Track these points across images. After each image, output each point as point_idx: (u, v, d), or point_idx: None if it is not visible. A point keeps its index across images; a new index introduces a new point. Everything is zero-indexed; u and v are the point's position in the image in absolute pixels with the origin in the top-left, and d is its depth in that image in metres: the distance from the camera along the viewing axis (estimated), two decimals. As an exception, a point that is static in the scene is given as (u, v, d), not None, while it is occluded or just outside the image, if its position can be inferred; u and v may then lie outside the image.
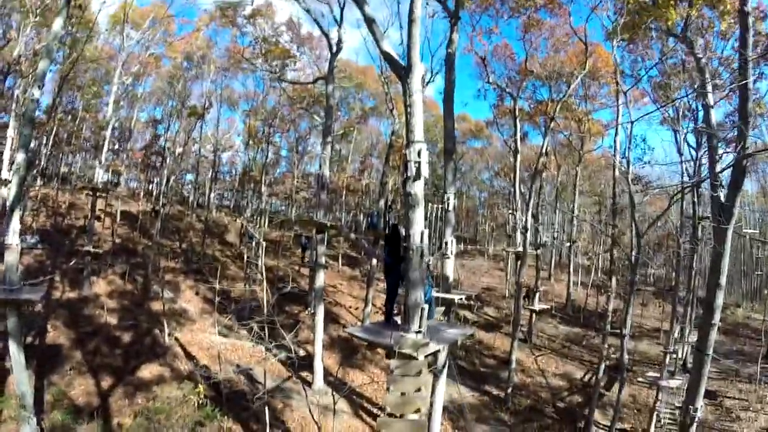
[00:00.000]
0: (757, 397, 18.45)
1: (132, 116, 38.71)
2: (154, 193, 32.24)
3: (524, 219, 20.17)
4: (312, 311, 18.26)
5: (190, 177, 46.24)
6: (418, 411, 5.09)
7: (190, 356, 18.07)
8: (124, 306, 20.86)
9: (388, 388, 5.02)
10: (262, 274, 14.92)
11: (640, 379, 19.68)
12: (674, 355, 17.64)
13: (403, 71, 7.40)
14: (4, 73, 24.89)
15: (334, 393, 13.34)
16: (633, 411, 17.99)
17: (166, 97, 38.49)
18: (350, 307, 26.08)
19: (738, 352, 22.74)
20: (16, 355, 11.15)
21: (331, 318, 23.66)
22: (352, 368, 19.36)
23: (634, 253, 14.81)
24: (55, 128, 32.65)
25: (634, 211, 14.03)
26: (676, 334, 17.41)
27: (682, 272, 20.52)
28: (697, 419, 10.58)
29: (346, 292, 28.24)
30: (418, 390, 5.76)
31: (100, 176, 21.05)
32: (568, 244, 31.46)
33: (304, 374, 17.92)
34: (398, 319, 8.68)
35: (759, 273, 35.81)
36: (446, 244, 11.21)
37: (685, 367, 19.05)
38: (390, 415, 6.02)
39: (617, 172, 20.22)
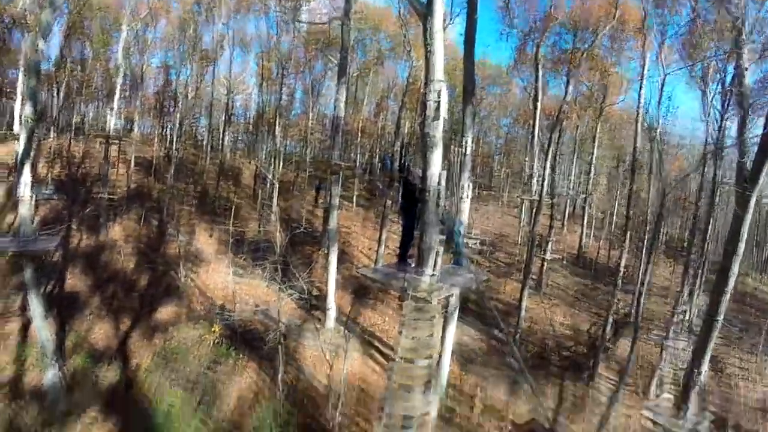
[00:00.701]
0: (757, 368, 18.54)
1: (143, 63, 38.07)
2: (168, 138, 32.11)
3: (542, 167, 19.83)
4: (325, 251, 18.37)
5: (203, 121, 46.02)
6: (429, 357, 5.04)
7: (205, 297, 18.39)
8: (140, 250, 21.14)
9: (400, 332, 4.91)
10: (275, 215, 14.92)
11: (645, 337, 19.84)
12: (681, 317, 17.64)
13: (424, 11, 7.07)
14: (10, 28, 24.53)
15: (347, 333, 13.62)
16: (636, 367, 18.12)
17: (177, 42, 37.58)
18: (364, 248, 26.17)
19: (743, 321, 22.54)
20: (35, 304, 11.52)
21: (344, 259, 23.66)
22: (365, 308, 19.57)
23: (652, 210, 14.47)
24: (66, 79, 32.17)
25: (662, 164, 13.55)
26: (685, 296, 17.33)
27: (697, 235, 20.25)
28: (700, 383, 10.58)
29: (359, 234, 28.28)
30: (431, 335, 5.66)
31: (113, 124, 20.90)
32: (584, 196, 31.04)
33: (317, 314, 18.20)
34: (412, 262, 8.82)
35: None
36: (462, 187, 11.12)
37: (691, 330, 19.06)
38: (402, 359, 6.08)
39: (639, 128, 19.63)
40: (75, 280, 17.88)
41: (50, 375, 11.97)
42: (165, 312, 17.04)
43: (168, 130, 35.90)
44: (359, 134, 40.63)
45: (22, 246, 10.71)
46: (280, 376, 12.61)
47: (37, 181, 24.08)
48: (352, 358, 15.59)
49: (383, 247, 22.35)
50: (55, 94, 32.50)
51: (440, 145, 6.92)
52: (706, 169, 21.04)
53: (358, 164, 40.41)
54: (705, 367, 10.49)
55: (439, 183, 6.95)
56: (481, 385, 15.82)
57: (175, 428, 10.79)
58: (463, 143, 11.70)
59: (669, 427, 10.84)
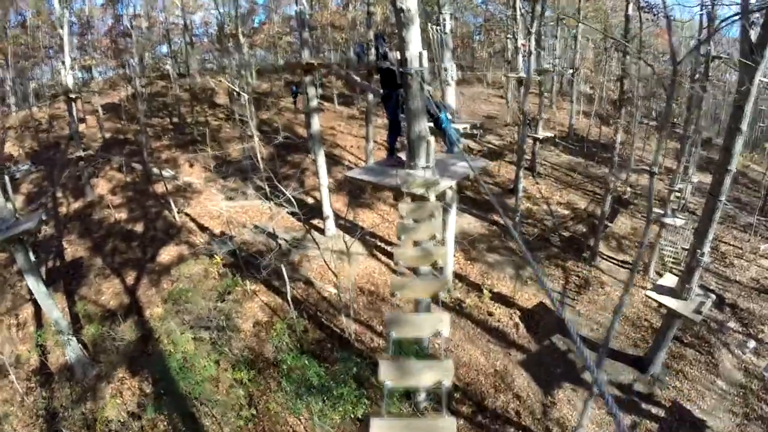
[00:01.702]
0: (751, 247, 18.37)
1: (86, 5, 35.33)
2: (132, 76, 30.52)
3: (527, 43, 18.68)
4: (313, 157, 17.84)
5: (165, 49, 43.64)
6: (434, 266, 4.54)
7: (203, 228, 18.18)
8: (129, 198, 20.75)
9: (398, 237, 4.36)
10: (252, 129, 14.21)
11: (642, 215, 19.79)
12: (678, 194, 17.39)
13: None
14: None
15: (345, 239, 13.39)
16: (634, 244, 18.08)
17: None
18: (352, 146, 25.60)
19: (735, 199, 22.20)
20: (36, 287, 11.23)
21: (334, 160, 23.34)
22: (362, 208, 19.36)
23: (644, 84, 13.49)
24: (10, 48, 30.25)
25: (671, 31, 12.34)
26: (680, 174, 16.97)
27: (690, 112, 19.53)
28: (703, 263, 10.38)
29: (345, 132, 27.61)
30: (432, 237, 5.10)
31: (69, 79, 19.50)
32: (571, 71, 29.82)
33: (315, 222, 18.02)
34: (403, 156, 8.21)
35: (761, 125, 34.58)
36: (445, 69, 10.28)
37: (686, 207, 18.93)
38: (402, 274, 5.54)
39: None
40: (73, 247, 17.69)
41: (71, 350, 12.01)
42: (166, 254, 16.87)
43: (129, 68, 34.00)
44: (329, 29, 38.44)
45: (2, 233, 10.13)
46: (288, 294, 12.51)
47: (9, 159, 23.49)
48: (357, 261, 15.59)
49: (371, 143, 21.71)
50: (5, 66, 30.74)
51: (416, 20, 6.14)
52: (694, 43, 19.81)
53: (332, 60, 38.68)
54: (707, 247, 10.29)
55: (420, 64, 6.24)
56: (486, 272, 15.88)
57: (193, 372, 10.80)
58: (441, 20, 10.71)
59: (675, 309, 10.88)
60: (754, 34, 8.12)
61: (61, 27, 19.86)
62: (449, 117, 8.24)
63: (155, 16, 36.49)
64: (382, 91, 7.72)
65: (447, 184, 6.83)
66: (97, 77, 39.29)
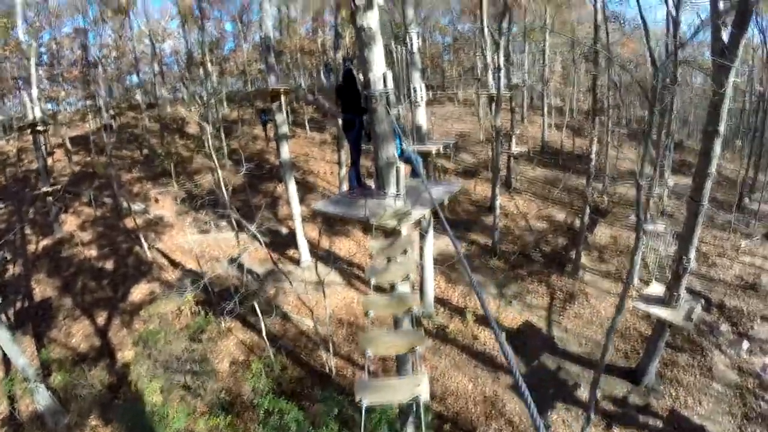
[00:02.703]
0: (732, 245, 18.33)
1: (55, 36, 34.77)
2: (102, 107, 29.88)
3: (496, 59, 18.65)
4: (285, 186, 17.44)
5: (134, 79, 43.07)
6: (408, 310, 4.13)
7: (174, 264, 17.60)
8: (100, 233, 20.01)
9: (368, 280, 4.02)
10: (214, 162, 13.72)
11: (621, 223, 19.76)
12: (657, 200, 17.36)
13: None
14: None
15: (320, 269, 12.92)
16: (615, 253, 17.95)
17: (86, 4, 34.14)
18: (325, 172, 25.15)
19: (711, 199, 22.37)
20: None
21: (307, 187, 22.96)
22: (337, 236, 18.90)
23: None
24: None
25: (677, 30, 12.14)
26: (656, 179, 16.94)
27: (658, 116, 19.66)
28: (689, 269, 10.21)
29: (318, 158, 27.15)
30: (406, 278, 4.66)
31: (37, 111, 18.95)
32: (541, 85, 30.08)
33: (290, 252, 17.55)
34: (370, 183, 7.80)
35: (729, 123, 35.41)
36: (415, 90, 9.98)
37: (664, 212, 18.94)
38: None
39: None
40: (42, 287, 16.98)
41: (40, 397, 11.47)
42: (138, 291, 16.27)
43: (99, 99, 33.39)
44: (299, 54, 38.22)
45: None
46: (263, 331, 11.96)
47: None
48: (335, 292, 15.11)
49: (344, 168, 21.19)
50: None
51: (379, 39, 5.76)
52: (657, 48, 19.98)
53: (304, 85, 38.39)
54: (693, 253, 10.10)
55: (384, 85, 5.86)
56: (468, 294, 15.51)
57: (164, 423, 10.15)
58: (408, 39, 10.45)
59: (665, 318, 10.63)
60: (725, 35, 8.00)
61: (28, 58, 19.33)
62: (404, 144, 7.91)
63: (123, 45, 35.90)
64: (342, 115, 7.24)
65: (419, 214, 6.38)
66: (66, 109, 38.48)
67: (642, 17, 8.86)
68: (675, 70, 13.12)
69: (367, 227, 5.96)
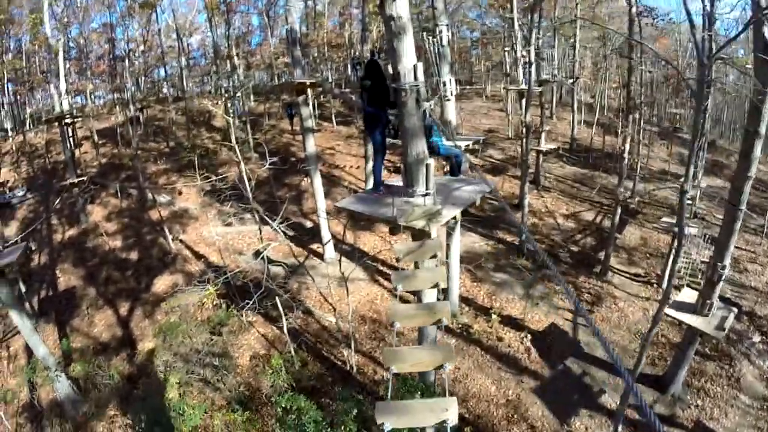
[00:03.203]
0: (765, 251, 17.61)
1: (83, 31, 35.36)
2: (129, 100, 30.33)
3: (526, 54, 18.19)
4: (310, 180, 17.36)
5: (161, 73, 43.60)
6: (438, 321, 3.86)
7: (198, 256, 17.63)
8: (125, 224, 20.25)
9: (394, 288, 3.75)
10: (237, 155, 13.63)
11: (651, 225, 19.08)
12: (690, 202, 16.75)
13: None
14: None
15: (342, 263, 12.73)
16: (645, 255, 17.38)
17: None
18: (351, 166, 24.95)
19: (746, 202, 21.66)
20: (20, 322, 10.82)
21: (333, 181, 22.83)
22: (362, 231, 18.62)
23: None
24: (6, 73, 30.58)
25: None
26: (690, 180, 16.34)
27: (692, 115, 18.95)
28: (724, 276, 9.72)
29: (344, 152, 26.99)
30: (435, 286, 4.35)
31: (64, 103, 19.33)
32: (571, 80, 29.39)
33: (314, 246, 17.45)
34: (395, 181, 7.45)
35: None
36: (444, 84, 9.68)
37: (696, 215, 18.30)
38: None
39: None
40: (67, 276, 17.21)
41: (60, 386, 11.57)
42: (161, 283, 16.34)
43: (126, 92, 33.87)
44: (326, 48, 38.11)
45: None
46: (284, 326, 11.85)
47: (3, 185, 23.19)
48: (359, 288, 14.93)
49: (371, 162, 21.05)
50: (2, 93, 30.65)
51: (410, 29, 5.50)
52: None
53: (330, 79, 38.29)
54: (728, 259, 9.61)
55: (415, 78, 5.60)
56: (494, 294, 15.16)
57: (182, 418, 10.12)
58: (438, 32, 10.16)
59: (697, 327, 10.17)
60: (767, 31, 7.56)
61: (56, 53, 19.65)
62: (443, 140, 7.60)
63: (151, 39, 36.38)
64: (366, 109, 6.91)
65: (451, 214, 6.08)
66: (94, 102, 39.20)
67: (686, 8, 8.39)
68: (711, 68, 12.62)
69: (393, 228, 5.69)
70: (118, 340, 14.01)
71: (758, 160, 8.73)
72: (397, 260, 4.06)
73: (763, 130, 8.22)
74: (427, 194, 5.87)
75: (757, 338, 13.24)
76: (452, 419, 2.93)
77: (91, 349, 13.64)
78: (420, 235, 5.55)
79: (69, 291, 16.44)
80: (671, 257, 14.75)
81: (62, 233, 19.87)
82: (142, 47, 35.39)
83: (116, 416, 11.45)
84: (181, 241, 18.62)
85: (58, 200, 20.76)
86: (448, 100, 10.82)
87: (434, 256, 4.34)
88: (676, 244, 11.05)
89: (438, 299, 7.29)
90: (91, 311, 15.35)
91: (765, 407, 11.10)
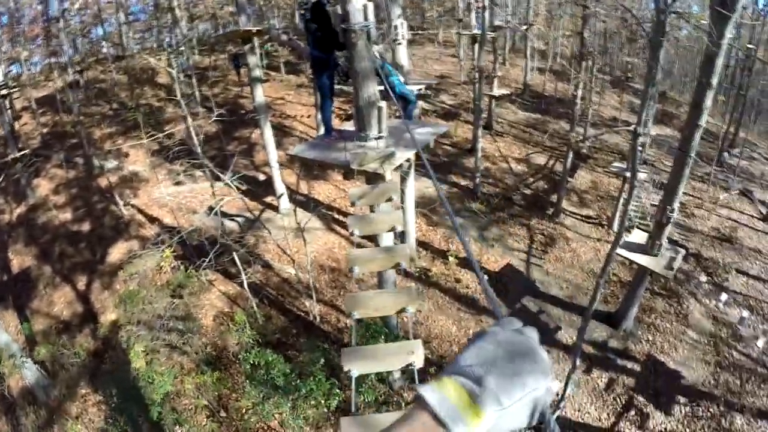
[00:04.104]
0: (710, 197, 18.47)
1: None
2: (67, 65, 28.44)
3: (481, -1, 17.92)
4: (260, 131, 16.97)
5: (99, 31, 40.84)
6: (397, 264, 3.84)
7: (152, 219, 17.22)
8: (74, 195, 19.44)
9: (351, 234, 3.70)
10: (183, 109, 13.15)
11: (603, 169, 19.76)
12: (641, 148, 17.25)
13: None
14: None
15: (297, 214, 12.71)
16: (596, 198, 17.97)
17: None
18: (302, 116, 24.45)
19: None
20: None
21: (284, 132, 22.45)
22: (316, 180, 18.51)
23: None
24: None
25: None
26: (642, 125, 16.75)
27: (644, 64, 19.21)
28: (672, 219, 10.28)
29: (295, 102, 26.41)
30: (392, 229, 4.39)
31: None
32: (525, 27, 29.27)
33: (268, 199, 17.26)
34: (347, 127, 7.32)
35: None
36: (395, 27, 9.46)
37: (646, 161, 18.93)
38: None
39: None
40: (20, 257, 16.58)
41: (28, 373, 11.36)
42: (116, 252, 15.91)
43: (63, 55, 31.72)
44: (273, -5, 36.53)
45: None
46: (245, 282, 11.78)
47: None
48: (316, 238, 14.95)
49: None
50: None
51: (359, -34, 5.31)
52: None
53: (277, 27, 36.85)
54: (677, 204, 10.14)
55: (365, 18, 5.42)
56: (450, 237, 15.43)
57: (152, 387, 10.03)
58: (387, -25, 9.87)
59: (647, 266, 10.75)
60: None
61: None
62: (401, 79, 7.49)
63: (85, -4, 33.89)
64: (312, 53, 6.69)
65: (404, 156, 6.06)
66: (30, 70, 36.60)
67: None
68: (665, 20, 12.81)
69: (347, 173, 5.62)
70: (79, 316, 13.73)
71: (708, 111, 9.05)
72: (352, 205, 4.03)
73: (715, 82, 8.54)
74: (380, 137, 5.84)
75: (703, 278, 14.04)
76: (418, 362, 3.00)
77: (53, 330, 13.38)
78: (374, 178, 5.53)
79: (24, 272, 15.87)
80: (621, 200, 15.39)
81: (9, 212, 18.97)
82: (77, 5, 32.95)
83: (88, 394, 11.38)
84: (132, 205, 18.07)
85: (1, 178, 19.60)
86: (400, 44, 10.64)
87: (389, 200, 4.33)
88: (628, 187, 11.46)
89: (395, 243, 7.36)
90: (49, 290, 14.93)
91: (711, 342, 11.91)
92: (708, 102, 8.83)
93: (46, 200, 19.08)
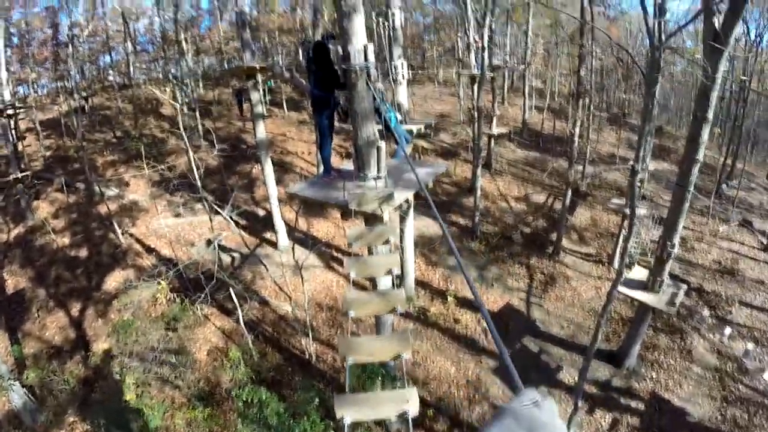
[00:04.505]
0: (710, 230, 18.49)
1: (25, 15, 33.35)
2: (74, 90, 28.83)
3: (480, 38, 18.25)
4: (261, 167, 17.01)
5: (107, 59, 41.66)
6: (393, 310, 3.74)
7: (149, 250, 17.08)
8: (73, 220, 19.37)
9: (348, 275, 3.66)
10: (185, 143, 13.22)
11: (602, 207, 19.76)
12: (639, 184, 17.37)
13: None
14: None
15: (296, 251, 12.61)
16: (595, 235, 17.94)
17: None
18: (303, 152, 24.63)
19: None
20: None
21: (285, 168, 22.50)
22: (315, 217, 18.41)
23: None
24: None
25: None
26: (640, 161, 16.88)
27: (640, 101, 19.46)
28: (673, 255, 10.23)
29: (296, 139, 26.61)
30: (389, 272, 4.28)
31: (5, 94, 18.25)
32: (523, 66, 29.77)
33: (267, 235, 17.16)
34: (345, 166, 7.30)
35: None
36: (395, 67, 9.58)
37: (645, 196, 19.00)
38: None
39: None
40: (15, 278, 16.39)
41: (15, 396, 11.04)
42: (112, 280, 15.76)
43: (71, 80, 32.19)
44: (277, 33, 37.22)
45: None
46: (241, 317, 11.63)
47: None
48: (314, 275, 14.83)
49: (322, 149, 20.74)
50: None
51: (360, 8, 5.36)
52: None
53: (282, 64, 37.44)
54: (677, 239, 10.05)
55: (366, 59, 5.47)
56: (449, 276, 15.34)
57: (141, 420, 9.80)
58: (390, 15, 10.02)
59: (648, 303, 10.64)
60: (717, 21, 7.86)
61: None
62: (398, 117, 7.53)
63: (97, 23, 34.62)
64: (313, 91, 6.75)
65: (403, 197, 6.02)
66: (37, 92, 37.08)
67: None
68: (659, 56, 13.04)
69: (345, 212, 5.55)
70: (71, 342, 13.51)
71: (705, 144, 9.08)
72: (350, 246, 3.96)
73: (710, 115, 8.56)
74: (378, 177, 5.80)
75: (706, 312, 13.84)
76: (413, 410, 2.92)
77: (44, 354, 13.11)
78: (373, 219, 5.48)
79: (18, 293, 15.67)
80: (621, 236, 15.30)
81: (7, 233, 18.84)
82: (86, 32, 33.65)
83: (75, 423, 11.08)
84: (131, 234, 17.99)
85: (1, 198, 19.55)
86: (400, 84, 10.75)
87: (387, 242, 4.25)
88: (627, 223, 11.42)
89: (393, 285, 7.27)
90: (42, 314, 14.73)
91: (717, 377, 11.68)
92: (704, 136, 8.83)
93: (44, 223, 18.89)
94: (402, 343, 3.28)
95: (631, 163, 8.12)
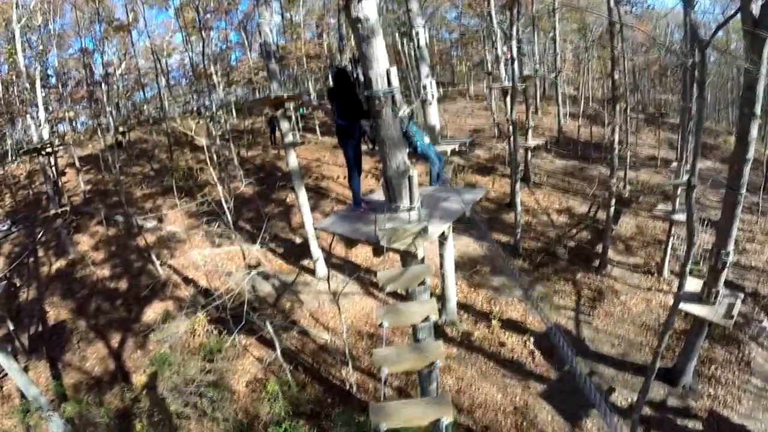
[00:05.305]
0: (761, 229, 17.49)
1: (61, 57, 34.97)
2: (110, 126, 29.83)
3: (507, 51, 17.92)
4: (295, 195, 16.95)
5: (141, 95, 43.19)
6: (431, 366, 3.53)
7: (187, 281, 17.10)
8: (112, 253, 19.69)
9: (379, 325, 3.32)
10: (213, 177, 13.25)
11: (646, 213, 18.87)
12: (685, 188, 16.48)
13: None
14: None
15: (332, 280, 12.37)
16: (642, 244, 17.13)
17: (89, 23, 34.18)
18: (338, 177, 24.36)
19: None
20: (6, 364, 10.56)
21: (320, 194, 22.40)
22: (353, 243, 18.18)
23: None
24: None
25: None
26: (681, 165, 16.09)
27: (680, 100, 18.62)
28: (728, 264, 9.46)
29: (331, 163, 26.57)
30: (425, 320, 4.02)
31: (44, 132, 19.11)
32: (553, 74, 29.22)
33: (306, 263, 16.98)
34: (376, 196, 6.95)
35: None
36: (424, 87, 9.26)
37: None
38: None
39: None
40: (56, 309, 16.70)
41: (54, 427, 11.12)
42: (152, 310, 15.84)
43: (107, 116, 33.38)
44: (305, 60, 37.77)
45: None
46: (278, 348, 11.44)
47: None
48: (353, 303, 14.55)
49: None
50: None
51: (379, 31, 5.04)
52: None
53: (312, 90, 37.93)
54: (731, 246, 9.35)
55: (389, 84, 5.15)
56: (493, 298, 14.81)
57: None
58: (414, 35, 9.77)
59: (704, 317, 9.94)
60: (755, 8, 7.29)
61: (33, 82, 19.28)
62: (427, 140, 7.14)
63: (129, 62, 36.02)
64: (337, 121, 6.46)
65: (438, 231, 5.53)
66: (76, 129, 38.67)
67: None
68: (707, 51, 12.43)
69: (377, 248, 5.19)
70: (110, 374, 13.54)
71: (755, 142, 8.42)
72: (381, 289, 3.65)
73: (758, 111, 7.93)
74: (411, 209, 5.45)
75: (764, 319, 12.98)
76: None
77: (84, 385, 13.19)
78: (406, 255, 5.09)
79: (59, 325, 15.95)
80: (670, 245, 14.52)
81: (49, 265, 19.31)
82: (120, 71, 35.01)
83: (113, 456, 10.99)
84: (169, 266, 18.14)
85: (42, 232, 20.24)
86: (430, 103, 10.47)
87: (422, 283, 3.88)
88: (682, 235, 10.73)
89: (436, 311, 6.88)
90: (83, 345, 14.88)
91: (778, 389, 10.82)
92: (754, 133, 8.19)
93: (85, 256, 19.33)
94: (442, 406, 2.96)
95: (687, 176, 7.50)
